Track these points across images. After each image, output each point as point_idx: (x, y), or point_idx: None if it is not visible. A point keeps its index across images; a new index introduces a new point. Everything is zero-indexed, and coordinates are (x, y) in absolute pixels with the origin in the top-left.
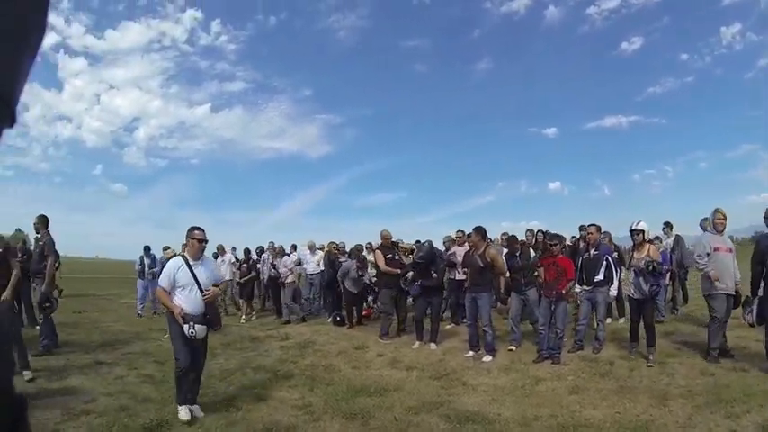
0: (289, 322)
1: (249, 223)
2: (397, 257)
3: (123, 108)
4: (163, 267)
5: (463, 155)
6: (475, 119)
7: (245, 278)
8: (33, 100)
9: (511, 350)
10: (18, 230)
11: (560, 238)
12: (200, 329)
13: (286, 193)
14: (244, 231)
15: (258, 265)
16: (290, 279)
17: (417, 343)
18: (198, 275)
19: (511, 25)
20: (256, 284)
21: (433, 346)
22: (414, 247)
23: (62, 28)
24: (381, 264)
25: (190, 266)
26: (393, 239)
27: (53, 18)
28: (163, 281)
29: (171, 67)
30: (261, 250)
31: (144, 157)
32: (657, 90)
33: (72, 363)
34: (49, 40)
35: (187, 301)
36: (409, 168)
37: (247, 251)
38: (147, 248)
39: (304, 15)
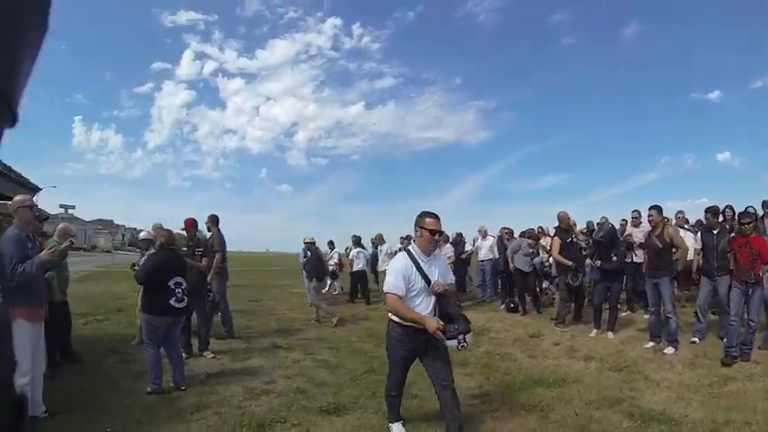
0: None
1: (414, 213)
2: (575, 240)
3: (281, 116)
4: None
5: (620, 131)
6: (628, 91)
7: None
8: (201, 120)
9: (694, 342)
10: (198, 231)
11: (753, 216)
12: (470, 338)
13: (449, 182)
14: (410, 223)
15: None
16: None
17: (594, 331)
18: (430, 275)
19: None
20: None
21: (610, 335)
22: (584, 230)
23: (217, 56)
24: (555, 251)
25: (420, 265)
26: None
27: (209, 48)
28: (395, 286)
29: (320, 74)
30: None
31: (305, 157)
32: None
33: (252, 346)
34: (209, 67)
35: (424, 309)
36: (567, 150)
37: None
38: (331, 243)
39: (441, 5)
